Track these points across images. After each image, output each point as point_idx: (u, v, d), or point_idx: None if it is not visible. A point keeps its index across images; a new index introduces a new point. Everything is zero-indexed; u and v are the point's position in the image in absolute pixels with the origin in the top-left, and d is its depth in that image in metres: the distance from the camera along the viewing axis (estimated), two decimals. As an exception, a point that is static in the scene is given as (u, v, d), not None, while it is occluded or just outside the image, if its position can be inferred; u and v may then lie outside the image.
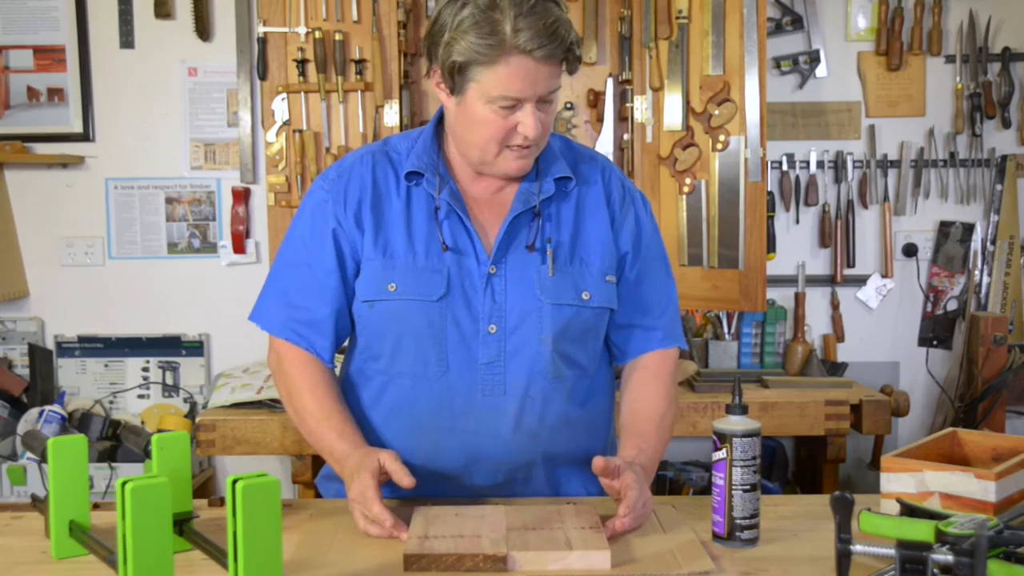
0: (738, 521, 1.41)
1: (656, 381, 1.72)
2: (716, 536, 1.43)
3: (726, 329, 3.36)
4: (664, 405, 1.69)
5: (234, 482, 1.20)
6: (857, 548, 1.15)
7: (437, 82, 1.58)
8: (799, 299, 3.41)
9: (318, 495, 1.87)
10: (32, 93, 3.42)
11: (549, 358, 1.62)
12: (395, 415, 1.65)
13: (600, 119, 3.37)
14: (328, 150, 3.20)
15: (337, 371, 1.75)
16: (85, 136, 3.43)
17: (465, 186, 1.66)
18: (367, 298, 1.62)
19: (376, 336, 1.64)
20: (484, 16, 1.48)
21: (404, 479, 1.49)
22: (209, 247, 3.48)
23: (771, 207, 3.37)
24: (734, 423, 1.43)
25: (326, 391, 1.66)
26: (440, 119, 1.69)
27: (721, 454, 1.42)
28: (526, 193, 1.64)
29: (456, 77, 1.53)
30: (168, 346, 3.46)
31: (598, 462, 1.47)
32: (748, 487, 1.41)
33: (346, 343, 1.77)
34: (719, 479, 1.42)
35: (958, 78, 3.46)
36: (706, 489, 3.36)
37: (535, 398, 1.62)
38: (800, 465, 3.48)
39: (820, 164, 3.48)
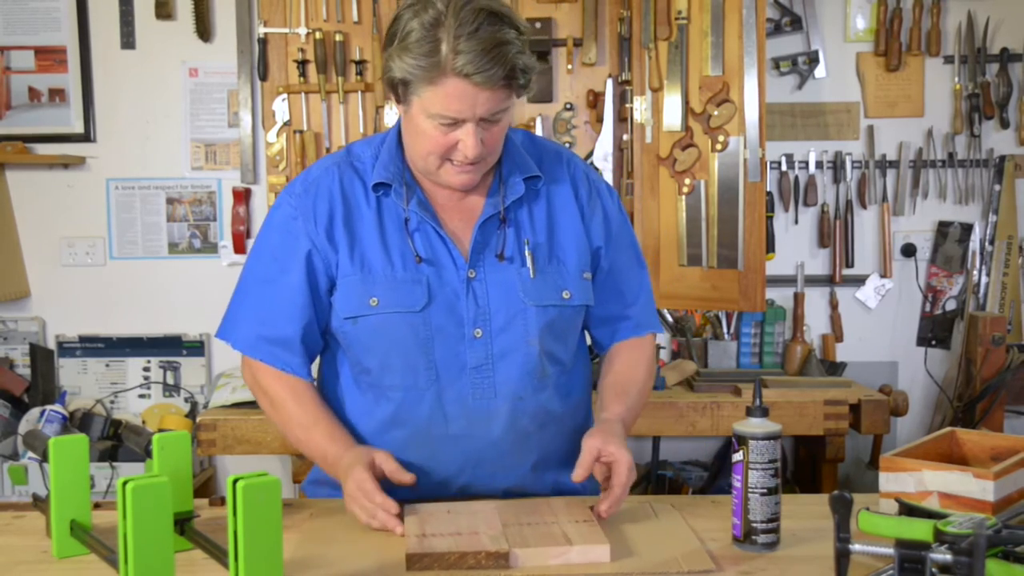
0: (754, 524, 1.40)
1: (636, 352, 1.76)
2: (734, 539, 1.43)
3: (725, 329, 3.36)
4: (644, 374, 1.75)
5: (235, 482, 1.20)
6: (856, 547, 1.15)
7: (387, 91, 1.57)
8: (798, 299, 3.41)
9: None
10: (33, 94, 3.42)
11: (536, 359, 1.63)
12: (389, 427, 1.64)
13: (599, 120, 3.38)
14: (328, 150, 3.20)
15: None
16: (86, 136, 3.43)
17: (432, 193, 1.64)
18: (349, 314, 1.61)
19: (363, 351, 1.64)
20: (427, 34, 1.45)
21: (403, 476, 1.50)
22: (210, 247, 3.49)
23: (770, 207, 3.37)
24: (753, 425, 1.41)
25: (309, 398, 1.65)
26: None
27: (738, 456, 1.41)
28: (494, 198, 1.64)
29: (399, 89, 1.52)
30: (169, 346, 3.47)
31: (578, 477, 1.52)
32: (765, 491, 1.39)
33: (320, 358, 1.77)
34: (737, 481, 1.41)
35: (956, 79, 3.46)
36: (704, 488, 3.37)
37: (525, 398, 1.63)
38: (799, 465, 3.48)
39: (819, 164, 3.48)
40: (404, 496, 1.65)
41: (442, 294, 1.60)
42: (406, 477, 1.50)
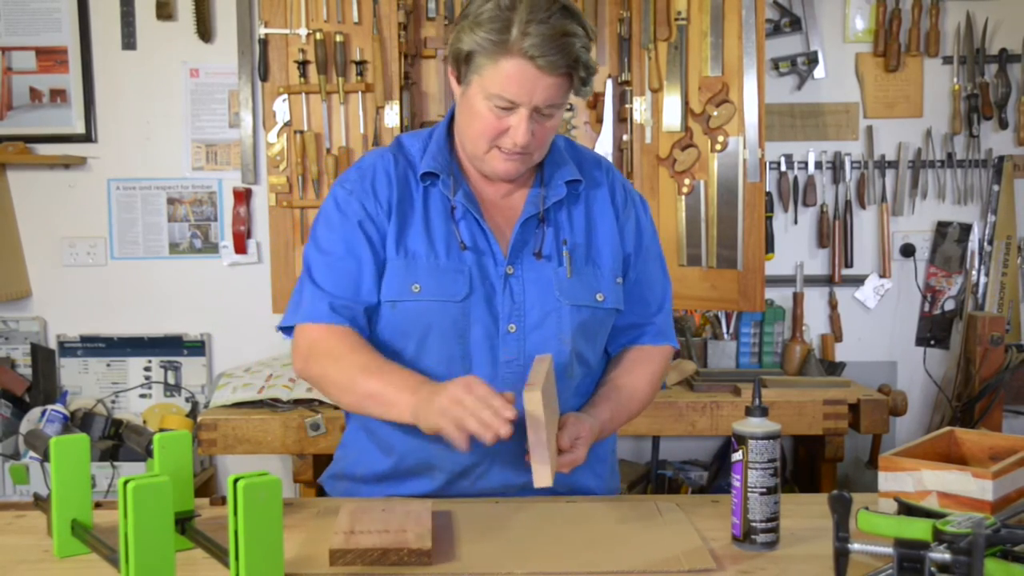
0: (753, 524, 1.40)
1: (646, 365, 1.76)
2: (734, 538, 1.43)
3: (724, 329, 3.37)
4: (647, 391, 1.75)
5: (235, 481, 1.21)
6: (855, 547, 1.15)
7: (450, 69, 1.61)
8: (797, 299, 3.41)
9: (320, 494, 1.87)
10: (34, 94, 3.43)
11: (567, 358, 1.64)
12: None
13: (599, 120, 3.38)
14: (329, 151, 3.21)
15: None
16: (87, 137, 3.44)
17: (477, 188, 1.67)
18: (390, 298, 1.62)
19: (398, 335, 1.64)
20: (500, 13, 1.50)
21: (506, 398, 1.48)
22: (211, 247, 3.49)
23: (769, 207, 3.38)
24: (752, 425, 1.41)
25: (371, 350, 1.60)
26: (451, 119, 1.70)
27: (738, 456, 1.41)
28: (536, 197, 1.66)
29: (462, 66, 1.56)
30: (170, 346, 3.47)
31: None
32: (764, 490, 1.39)
33: None
34: (736, 481, 1.41)
35: (955, 79, 3.47)
36: (704, 488, 3.37)
37: None
38: (798, 464, 3.49)
39: (818, 165, 3.49)
40: (428, 491, 1.65)
41: (482, 286, 1.62)
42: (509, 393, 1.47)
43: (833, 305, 3.51)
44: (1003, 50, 3.44)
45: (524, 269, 1.64)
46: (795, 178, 3.49)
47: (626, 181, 1.79)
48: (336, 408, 2.86)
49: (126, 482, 1.21)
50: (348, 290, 1.62)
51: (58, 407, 3.21)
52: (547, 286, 1.64)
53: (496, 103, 1.53)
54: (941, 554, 1.10)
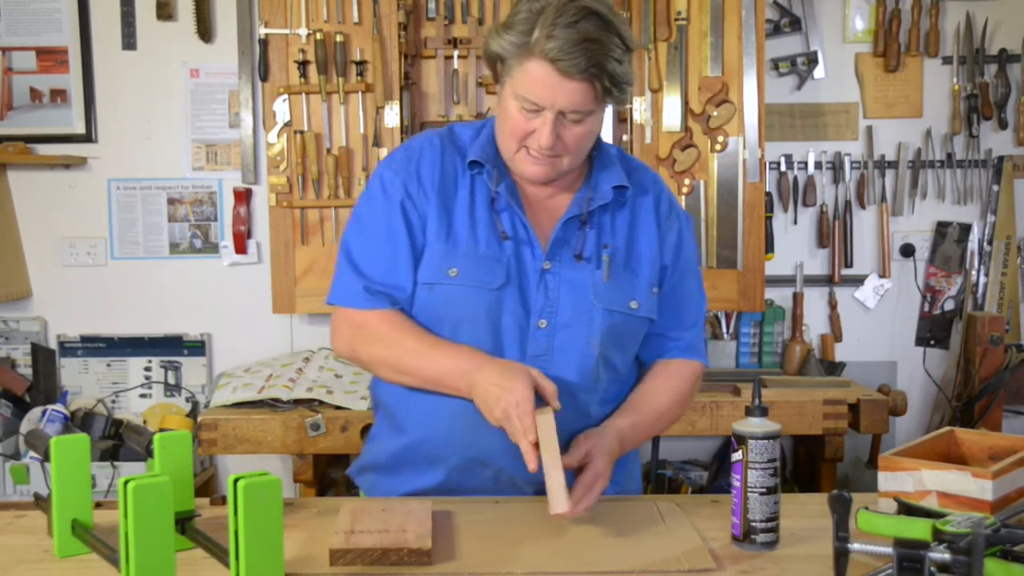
0: (753, 524, 1.40)
1: (673, 379, 1.75)
2: (733, 538, 1.43)
3: (724, 329, 3.37)
4: (673, 403, 1.74)
5: (236, 481, 1.21)
6: (855, 547, 1.16)
7: (490, 73, 1.63)
8: (797, 299, 3.42)
9: (320, 493, 1.87)
10: (35, 94, 3.43)
11: (594, 361, 1.65)
12: (441, 398, 1.63)
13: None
14: (329, 151, 3.21)
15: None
16: (87, 137, 3.44)
17: (522, 185, 1.68)
18: (427, 280, 1.63)
19: (433, 319, 1.64)
20: (529, 17, 1.52)
21: (555, 401, 1.50)
22: (211, 247, 3.49)
23: (769, 207, 3.38)
24: (752, 425, 1.41)
25: (422, 330, 1.63)
26: None
27: (738, 455, 1.41)
28: (582, 199, 1.67)
29: (497, 67, 1.59)
30: (170, 346, 3.47)
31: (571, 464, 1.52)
32: (764, 490, 1.40)
33: None
34: (736, 481, 1.42)
35: (955, 79, 3.47)
36: (704, 488, 3.37)
37: (574, 396, 1.63)
38: (798, 464, 3.49)
39: (818, 165, 3.49)
40: (446, 485, 1.66)
41: (518, 278, 1.63)
42: (557, 403, 1.50)
43: (833, 305, 3.52)
44: (1003, 50, 3.44)
45: (561, 267, 1.65)
46: (795, 178, 3.49)
47: (672, 196, 1.79)
48: (336, 408, 2.86)
49: (126, 482, 1.21)
50: (385, 274, 1.64)
51: (58, 407, 3.21)
52: (582, 287, 1.64)
53: (523, 104, 1.55)
54: (941, 554, 1.10)
